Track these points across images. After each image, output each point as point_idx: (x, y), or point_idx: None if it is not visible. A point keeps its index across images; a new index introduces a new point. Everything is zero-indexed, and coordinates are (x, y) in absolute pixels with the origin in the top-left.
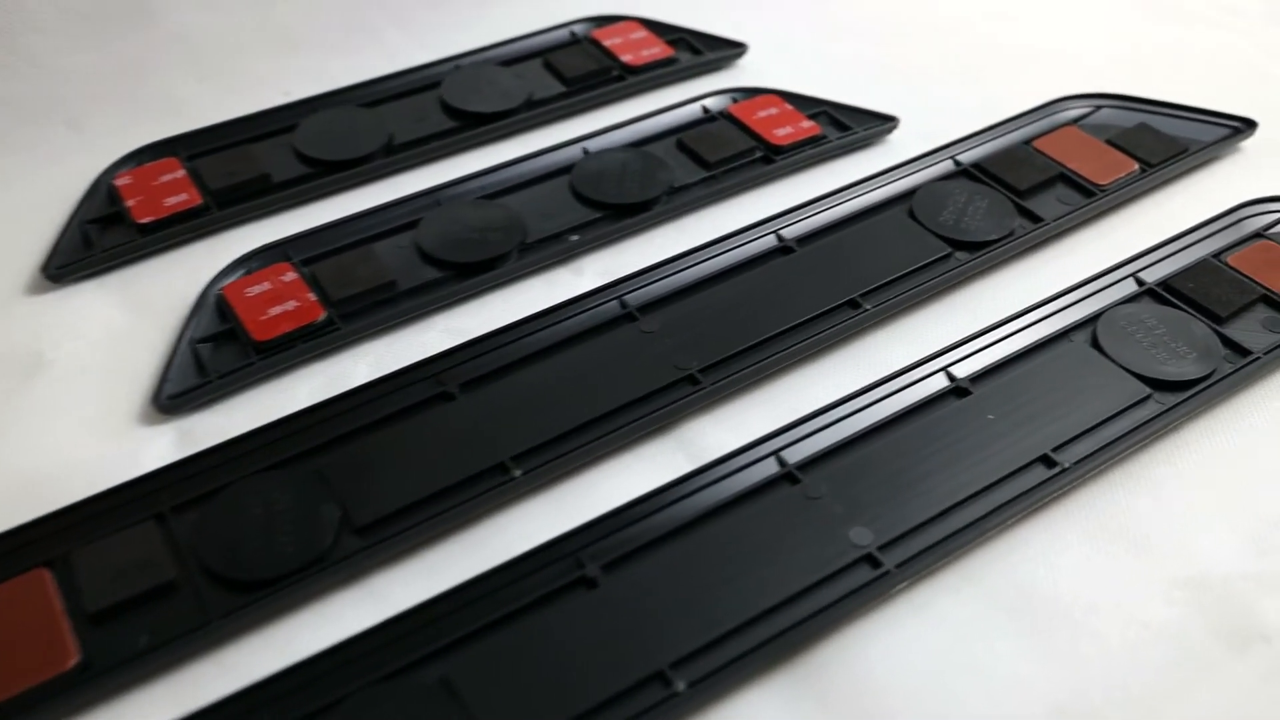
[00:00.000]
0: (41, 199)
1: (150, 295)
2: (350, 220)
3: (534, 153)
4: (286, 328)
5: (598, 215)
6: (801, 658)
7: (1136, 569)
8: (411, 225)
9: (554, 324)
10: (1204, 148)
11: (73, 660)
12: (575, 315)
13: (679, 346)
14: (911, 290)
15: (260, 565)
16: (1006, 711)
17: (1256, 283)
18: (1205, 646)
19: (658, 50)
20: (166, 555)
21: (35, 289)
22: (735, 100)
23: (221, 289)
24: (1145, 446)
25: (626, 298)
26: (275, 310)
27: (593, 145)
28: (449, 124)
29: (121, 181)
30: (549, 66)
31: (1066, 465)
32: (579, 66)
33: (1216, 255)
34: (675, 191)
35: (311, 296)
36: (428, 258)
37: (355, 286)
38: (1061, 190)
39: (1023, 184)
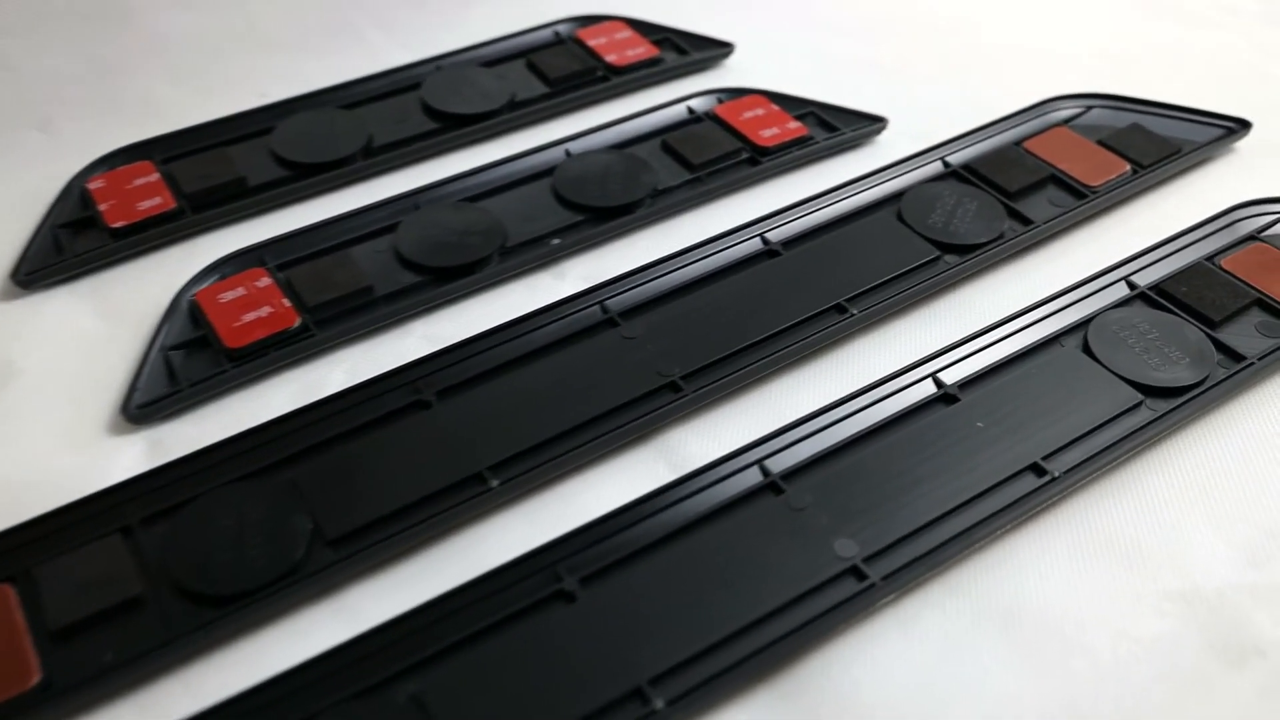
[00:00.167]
0: (12, 203)
1: (122, 301)
2: (327, 224)
3: (516, 155)
4: (260, 334)
5: (580, 218)
6: (784, 674)
7: (1128, 581)
8: (390, 229)
9: (534, 330)
10: (1197, 148)
11: (34, 679)
12: (556, 321)
13: (661, 352)
14: (899, 294)
15: (229, 579)
16: None
17: (1251, 286)
18: (1198, 661)
19: (643, 50)
20: (133, 569)
21: (5, 295)
22: (721, 101)
23: (194, 295)
24: (1137, 454)
25: (608, 302)
26: (249, 317)
27: (576, 147)
28: (430, 125)
29: (94, 185)
30: (532, 67)
31: (1056, 474)
32: (562, 67)
33: (1210, 258)
34: (659, 194)
35: (286, 302)
36: (406, 262)
37: (331, 292)
38: (1052, 192)
39: (1013, 186)
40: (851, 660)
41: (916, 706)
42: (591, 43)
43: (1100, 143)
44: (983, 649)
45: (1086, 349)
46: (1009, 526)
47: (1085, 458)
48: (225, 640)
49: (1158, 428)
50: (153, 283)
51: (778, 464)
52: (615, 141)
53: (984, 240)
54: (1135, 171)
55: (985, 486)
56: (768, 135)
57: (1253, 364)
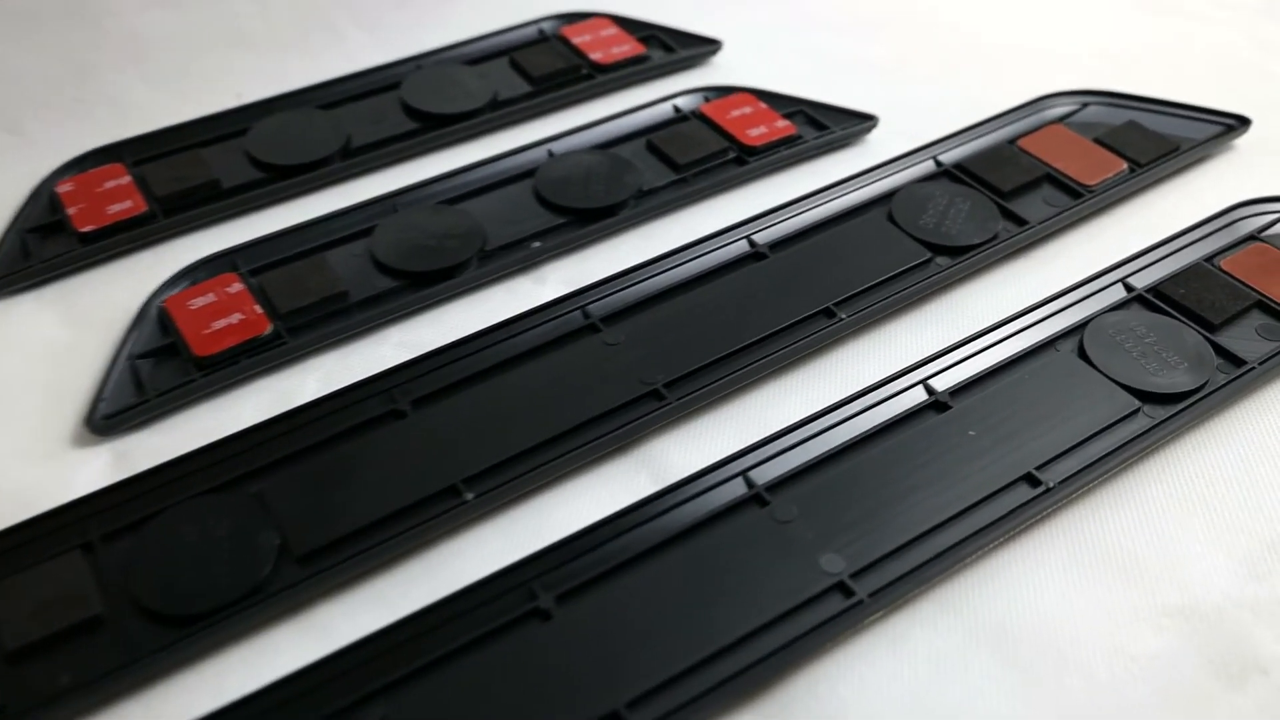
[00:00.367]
0: None
1: (90, 308)
2: (302, 228)
3: (497, 155)
4: (230, 342)
5: (562, 220)
6: (767, 695)
7: (1125, 595)
8: (367, 233)
9: (513, 336)
10: (1196, 146)
11: None
12: (536, 327)
13: (644, 359)
14: (889, 298)
15: (192, 598)
16: None
17: (1251, 288)
18: (1198, 679)
19: (629, 48)
20: (93, 588)
21: None
22: (708, 99)
23: (163, 301)
24: (1134, 463)
25: (590, 308)
26: (219, 324)
27: (559, 147)
28: (409, 126)
29: (63, 188)
30: (515, 65)
31: (1051, 485)
32: (546, 65)
33: (1209, 259)
34: (643, 195)
35: (258, 309)
36: (383, 267)
37: (305, 298)
38: (1047, 191)
39: (1007, 185)
40: (838, 680)
41: None
42: (576, 40)
43: (1096, 141)
44: (974, 668)
45: (1082, 354)
46: (1002, 540)
47: (1081, 467)
48: (188, 661)
49: (1155, 435)
50: (121, 289)
51: (763, 475)
52: (599, 141)
53: (977, 241)
54: (1132, 170)
55: (977, 498)
56: (755, 134)
57: (1253, 369)
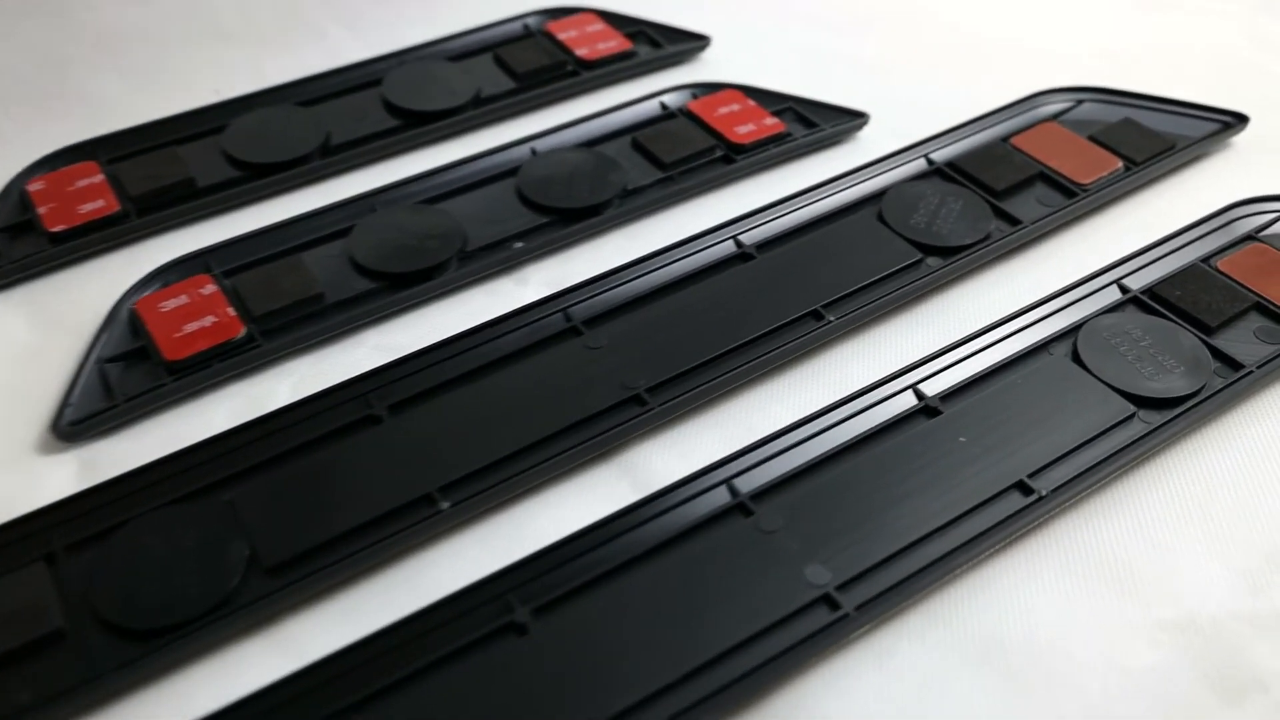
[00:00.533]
0: None
1: (59, 311)
2: (278, 228)
3: (479, 154)
4: (202, 346)
5: (545, 220)
6: (749, 712)
7: (1119, 608)
8: (345, 233)
9: (492, 339)
10: (1192, 144)
11: None
12: (516, 330)
13: (626, 363)
14: (879, 300)
15: (158, 611)
16: None
17: (1249, 289)
18: (1195, 696)
19: (615, 43)
20: (55, 600)
21: None
22: (695, 96)
23: (134, 304)
24: (1129, 470)
25: (571, 310)
26: (191, 327)
27: (542, 145)
28: (391, 123)
29: (34, 187)
30: (499, 61)
31: (1044, 493)
32: (531, 61)
33: (1206, 259)
34: (628, 194)
35: (231, 311)
36: (360, 268)
37: (280, 300)
38: (1041, 190)
39: (999, 184)
40: (823, 697)
41: None
42: (562, 36)
43: (1091, 138)
44: (964, 683)
45: (1076, 357)
46: (993, 550)
47: (1074, 475)
48: (153, 677)
49: (1151, 441)
50: (92, 291)
51: (747, 483)
52: (584, 139)
53: (969, 242)
54: (1128, 168)
55: (967, 507)
56: (743, 132)
57: (1251, 372)
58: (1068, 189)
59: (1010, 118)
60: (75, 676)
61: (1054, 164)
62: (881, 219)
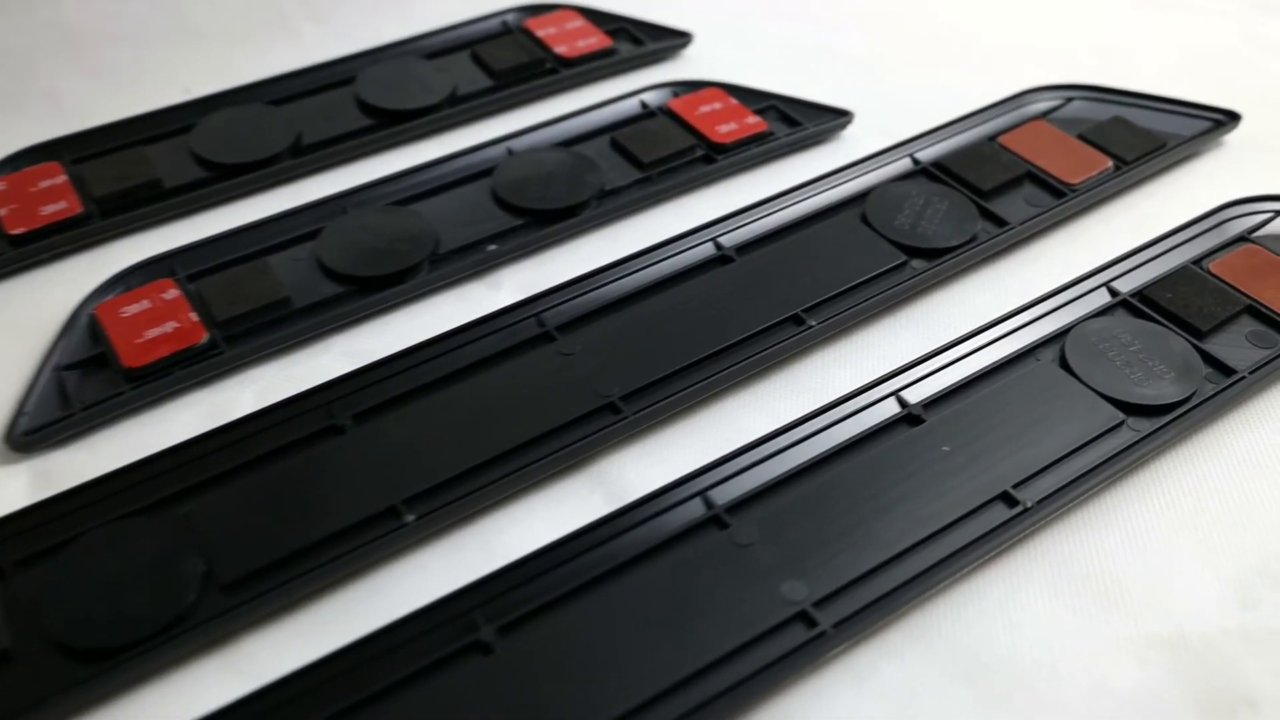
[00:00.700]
0: None
1: (17, 315)
2: (246, 230)
3: (454, 154)
4: (162, 352)
5: (520, 222)
6: None
7: (1106, 624)
8: (313, 235)
9: (462, 346)
10: (1184, 142)
11: None
12: (486, 335)
13: (600, 370)
14: (861, 304)
15: (109, 630)
16: None
17: (1241, 292)
18: (1184, 716)
19: (595, 41)
20: (1, 619)
21: None
22: (676, 94)
23: (94, 309)
24: (1117, 480)
25: (544, 315)
26: (152, 333)
27: (518, 145)
28: (364, 122)
29: None
30: (476, 59)
31: (1029, 504)
32: (508, 59)
33: (1197, 261)
34: (606, 195)
35: (194, 316)
36: (329, 271)
37: (244, 305)
38: (1029, 190)
39: (986, 184)
40: (800, 716)
41: None
42: (540, 33)
43: (1080, 137)
44: (945, 704)
45: (1063, 363)
46: (976, 564)
47: (1061, 485)
48: (103, 699)
49: (1141, 450)
50: (52, 295)
51: (723, 495)
52: (562, 139)
53: (954, 243)
54: (1118, 168)
55: (950, 519)
56: (725, 131)
57: (1244, 378)
58: (1056, 189)
59: (998, 116)
60: (22, 699)
61: (1042, 163)
62: (865, 220)
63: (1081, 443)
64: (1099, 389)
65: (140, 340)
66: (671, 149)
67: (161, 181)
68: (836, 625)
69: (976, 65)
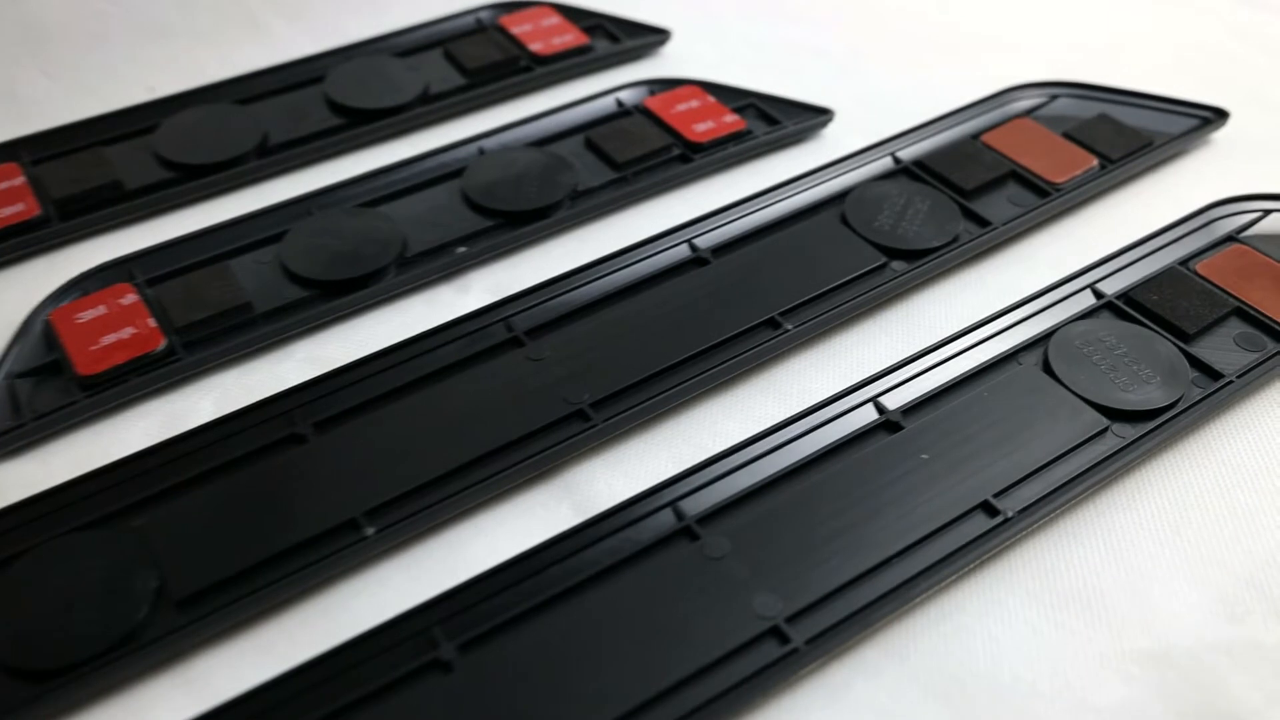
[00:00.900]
0: None
1: None
2: (208, 233)
3: (424, 154)
4: (118, 359)
5: (490, 224)
6: None
7: (1089, 639)
8: (278, 238)
9: (427, 351)
10: (1171, 140)
11: None
12: (453, 341)
13: (570, 376)
14: (840, 307)
15: (56, 649)
16: None
17: (1229, 294)
18: None
19: (571, 38)
20: None
21: None
22: (653, 92)
23: (49, 314)
24: (1102, 488)
25: (513, 319)
26: (108, 339)
27: (490, 144)
28: (333, 122)
29: None
30: (449, 57)
31: (1010, 514)
32: (482, 56)
33: (1184, 262)
34: (579, 196)
35: (152, 322)
36: (292, 275)
37: (204, 310)
38: (1012, 190)
39: (969, 183)
40: None
41: None
42: (515, 30)
43: (1065, 135)
44: None
45: (1046, 367)
46: (955, 577)
47: (1042, 494)
48: None
49: (1125, 457)
50: (6, 300)
51: (694, 505)
52: (535, 138)
53: (936, 244)
54: (1103, 166)
55: (928, 530)
56: (702, 130)
57: (1231, 382)
58: (1040, 188)
59: (981, 114)
60: None
61: (1026, 162)
62: (845, 221)
63: (1064, 450)
64: (1083, 394)
65: (95, 347)
66: (647, 148)
67: (123, 183)
68: (810, 641)
69: (959, 62)
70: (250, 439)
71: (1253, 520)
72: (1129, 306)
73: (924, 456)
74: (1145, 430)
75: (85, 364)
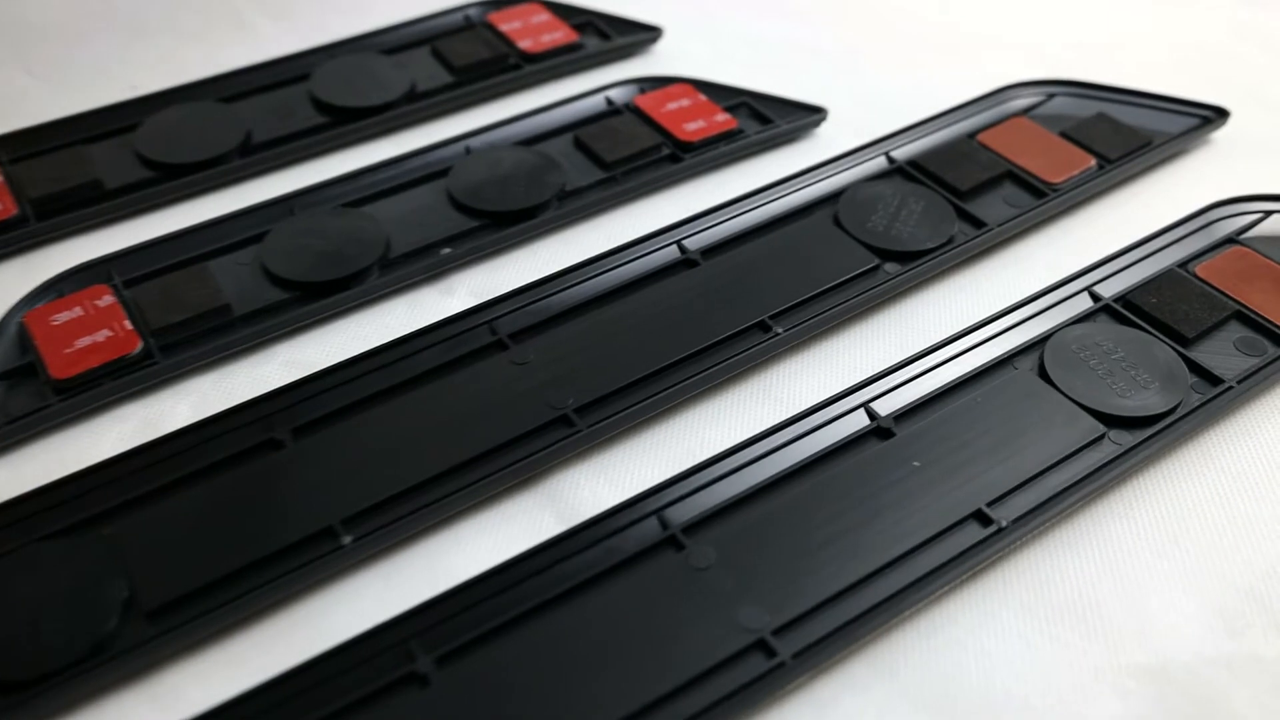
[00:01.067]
0: None
1: None
2: (188, 233)
3: (410, 153)
4: (93, 362)
5: (476, 224)
6: None
7: (1085, 652)
8: (259, 238)
9: (409, 355)
10: (1170, 140)
11: None
12: (436, 344)
13: (554, 380)
14: (831, 310)
15: (22, 661)
16: None
17: (1229, 297)
18: None
19: (561, 35)
20: None
21: None
22: (643, 91)
23: (23, 316)
24: (1098, 497)
25: (497, 322)
26: (83, 342)
27: (477, 144)
28: (318, 120)
29: None
30: (437, 55)
31: (1004, 523)
32: (470, 54)
33: (1183, 265)
34: (567, 196)
35: (128, 325)
36: (273, 276)
37: (181, 312)
38: (1008, 190)
39: (964, 183)
40: None
41: None
42: (504, 27)
43: (1062, 134)
44: None
45: (1042, 372)
46: (947, 588)
47: (1037, 503)
48: None
49: (1123, 465)
50: None
51: (679, 514)
52: (523, 137)
53: (930, 246)
54: (1101, 166)
55: (919, 540)
56: (693, 129)
57: (1231, 388)
58: (1037, 189)
59: (977, 113)
60: None
61: (1023, 162)
62: (837, 222)
63: (1060, 457)
64: (1079, 400)
65: (70, 350)
66: (636, 148)
67: (102, 182)
68: (796, 655)
69: (955, 60)
70: (227, 444)
71: (1253, 530)
72: (1127, 310)
73: (916, 464)
74: (1143, 437)
75: (59, 367)
